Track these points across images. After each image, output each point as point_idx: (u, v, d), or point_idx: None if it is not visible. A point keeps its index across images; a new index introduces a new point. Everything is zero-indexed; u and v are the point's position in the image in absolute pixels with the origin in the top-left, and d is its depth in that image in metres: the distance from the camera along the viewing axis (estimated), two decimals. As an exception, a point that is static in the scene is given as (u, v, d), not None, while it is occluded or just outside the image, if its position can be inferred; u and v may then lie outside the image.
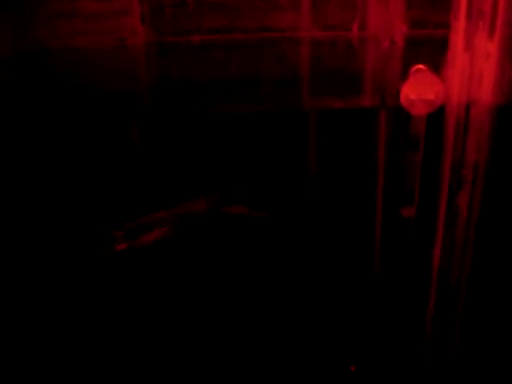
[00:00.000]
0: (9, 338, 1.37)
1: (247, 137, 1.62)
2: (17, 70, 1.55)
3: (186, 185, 1.63)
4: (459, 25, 1.26)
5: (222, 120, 1.62)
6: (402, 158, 1.38)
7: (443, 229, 1.33)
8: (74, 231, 1.49)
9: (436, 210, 1.32)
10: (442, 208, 1.32)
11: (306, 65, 1.63)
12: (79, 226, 1.50)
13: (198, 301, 1.51)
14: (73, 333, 1.43)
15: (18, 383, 1.35)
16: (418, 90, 1.27)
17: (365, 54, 1.57)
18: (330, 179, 1.58)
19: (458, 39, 1.26)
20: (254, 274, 1.58)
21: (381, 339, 1.49)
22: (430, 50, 1.46)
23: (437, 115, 1.28)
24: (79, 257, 1.45)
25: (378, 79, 1.54)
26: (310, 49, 1.62)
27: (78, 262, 1.45)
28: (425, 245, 1.34)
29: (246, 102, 1.63)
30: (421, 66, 1.31)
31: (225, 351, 1.48)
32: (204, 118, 1.63)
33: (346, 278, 1.55)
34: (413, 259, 1.38)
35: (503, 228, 1.39)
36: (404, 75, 1.45)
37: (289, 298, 1.55)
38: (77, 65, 1.58)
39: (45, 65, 1.57)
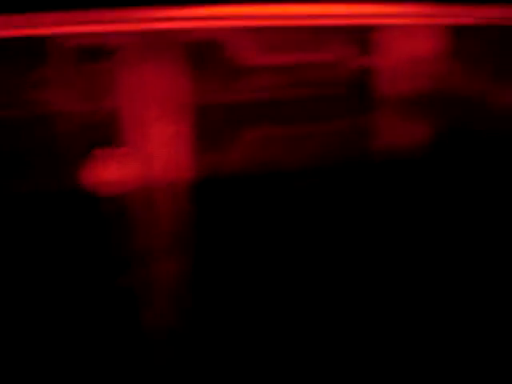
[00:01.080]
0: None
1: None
2: None
3: None
4: (135, 109, 1.35)
5: None
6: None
7: (149, 299, 1.41)
8: None
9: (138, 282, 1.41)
10: (145, 279, 1.40)
11: (65, 139, 1.71)
12: None
13: None
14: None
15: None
16: (104, 172, 1.35)
17: (117, 126, 1.65)
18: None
19: (136, 123, 1.36)
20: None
21: None
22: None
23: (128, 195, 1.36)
24: None
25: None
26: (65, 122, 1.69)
27: None
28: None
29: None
30: (106, 148, 1.39)
31: None
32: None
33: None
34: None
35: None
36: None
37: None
38: None
39: None
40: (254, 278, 1.47)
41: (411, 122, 1.43)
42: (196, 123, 1.36)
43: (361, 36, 1.30)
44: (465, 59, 1.35)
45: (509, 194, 1.52)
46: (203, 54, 1.39)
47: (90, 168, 1.38)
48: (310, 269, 1.50)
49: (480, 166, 1.49)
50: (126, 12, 1.43)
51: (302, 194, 1.45)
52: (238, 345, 1.49)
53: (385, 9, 1.18)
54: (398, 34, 1.31)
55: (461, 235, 1.53)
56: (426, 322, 1.54)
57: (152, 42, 1.59)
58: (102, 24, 1.44)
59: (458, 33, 1.30)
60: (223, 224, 1.44)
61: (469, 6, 1.21)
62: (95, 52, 1.72)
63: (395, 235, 1.49)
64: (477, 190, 1.49)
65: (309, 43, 1.32)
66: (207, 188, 1.40)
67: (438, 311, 1.55)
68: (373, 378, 1.49)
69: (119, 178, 1.35)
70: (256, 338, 1.49)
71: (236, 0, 1.24)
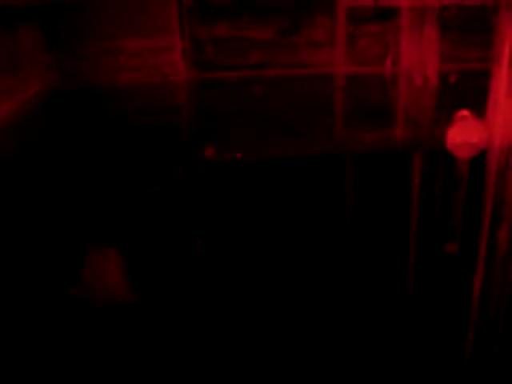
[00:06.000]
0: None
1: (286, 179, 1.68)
2: (62, 103, 1.59)
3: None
4: (502, 72, 1.33)
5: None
6: (441, 198, 1.46)
7: (483, 262, 1.41)
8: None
9: (477, 245, 1.40)
10: (482, 243, 1.39)
11: (340, 99, 1.69)
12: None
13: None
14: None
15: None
16: (463, 135, 1.34)
17: (398, 89, 1.64)
18: (366, 221, 1.64)
19: (500, 86, 1.34)
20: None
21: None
22: (463, 87, 1.53)
23: (480, 158, 1.36)
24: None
25: (410, 114, 1.61)
26: (344, 83, 1.68)
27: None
28: (466, 277, 1.42)
29: (283, 141, 1.68)
30: (465, 112, 1.39)
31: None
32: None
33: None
34: (454, 290, 1.45)
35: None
36: (437, 111, 1.53)
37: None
38: (120, 100, 1.62)
39: (89, 99, 1.61)
40: None
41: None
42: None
43: None
44: None
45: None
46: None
47: (446, 132, 1.38)
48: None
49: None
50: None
51: None
52: None
53: None
54: None
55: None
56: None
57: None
58: None
59: None
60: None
61: None
62: (375, 14, 1.69)
63: None
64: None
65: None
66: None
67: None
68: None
69: (471, 141, 1.34)
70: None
71: None
